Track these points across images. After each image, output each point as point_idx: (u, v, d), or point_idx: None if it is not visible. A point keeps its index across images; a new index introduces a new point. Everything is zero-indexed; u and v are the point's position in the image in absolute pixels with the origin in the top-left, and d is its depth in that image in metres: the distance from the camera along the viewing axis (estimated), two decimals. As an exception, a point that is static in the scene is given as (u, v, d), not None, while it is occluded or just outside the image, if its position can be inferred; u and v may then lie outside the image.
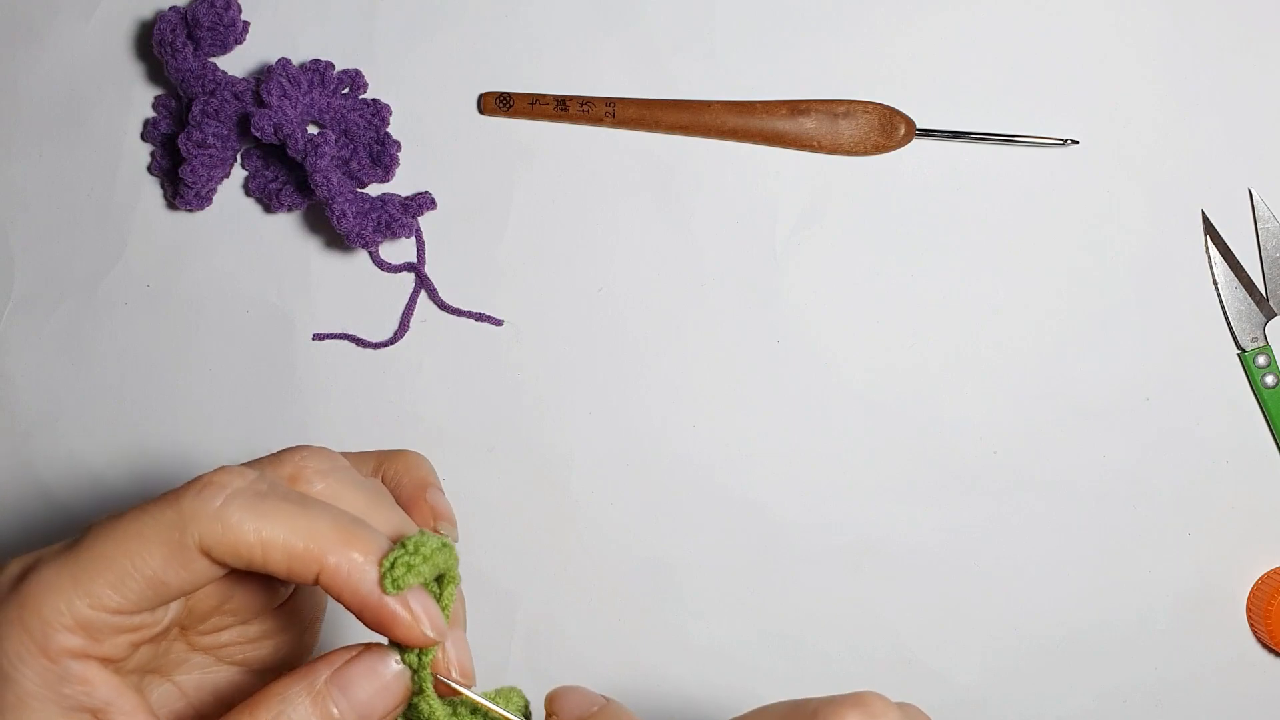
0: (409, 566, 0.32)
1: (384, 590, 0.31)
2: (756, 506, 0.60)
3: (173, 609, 0.34)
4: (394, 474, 0.39)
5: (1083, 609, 0.59)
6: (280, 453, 0.35)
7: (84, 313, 0.61)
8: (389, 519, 0.35)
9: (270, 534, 0.31)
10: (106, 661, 0.32)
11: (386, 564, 0.32)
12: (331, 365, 0.61)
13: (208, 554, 0.31)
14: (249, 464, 0.34)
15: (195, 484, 0.32)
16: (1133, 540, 0.59)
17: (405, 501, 0.38)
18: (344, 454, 0.38)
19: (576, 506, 0.60)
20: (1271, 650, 0.58)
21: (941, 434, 0.59)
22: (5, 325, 0.62)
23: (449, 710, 0.33)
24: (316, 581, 0.32)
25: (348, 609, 0.32)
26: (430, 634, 0.32)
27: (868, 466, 0.59)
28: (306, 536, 0.31)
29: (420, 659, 0.33)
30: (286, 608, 0.38)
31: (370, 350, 0.60)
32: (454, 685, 0.33)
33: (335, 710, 0.32)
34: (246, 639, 0.37)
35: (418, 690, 0.33)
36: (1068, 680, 0.59)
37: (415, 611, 0.32)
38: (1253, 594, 0.58)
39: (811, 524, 0.59)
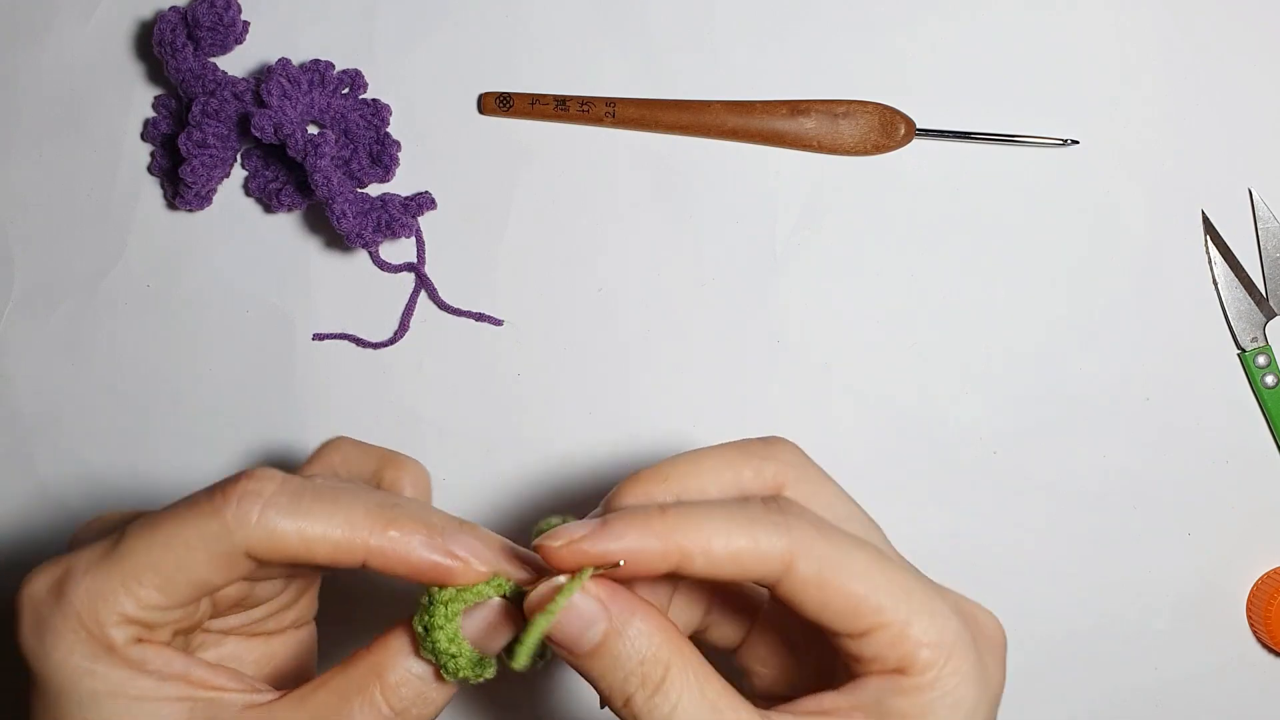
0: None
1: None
2: (756, 506, 0.60)
3: (205, 602, 0.36)
4: (393, 481, 0.40)
5: (1083, 609, 0.59)
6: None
7: (84, 313, 0.61)
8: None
9: (312, 531, 0.33)
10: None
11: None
12: (331, 365, 0.61)
13: (253, 557, 0.33)
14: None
15: (233, 491, 0.33)
16: (1133, 540, 0.59)
17: None
18: (349, 442, 0.41)
19: (576, 506, 0.60)
20: (1271, 650, 0.58)
21: (941, 434, 0.59)
22: (5, 325, 0.62)
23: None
24: (364, 565, 0.34)
25: (403, 579, 0.34)
26: (482, 568, 0.34)
27: (867, 466, 0.59)
28: (346, 526, 0.33)
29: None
30: (295, 590, 0.40)
31: (370, 350, 0.60)
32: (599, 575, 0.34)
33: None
34: (252, 620, 0.39)
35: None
36: (1068, 680, 0.59)
37: (461, 555, 0.34)
38: (1253, 594, 0.58)
39: (811, 524, 0.59)
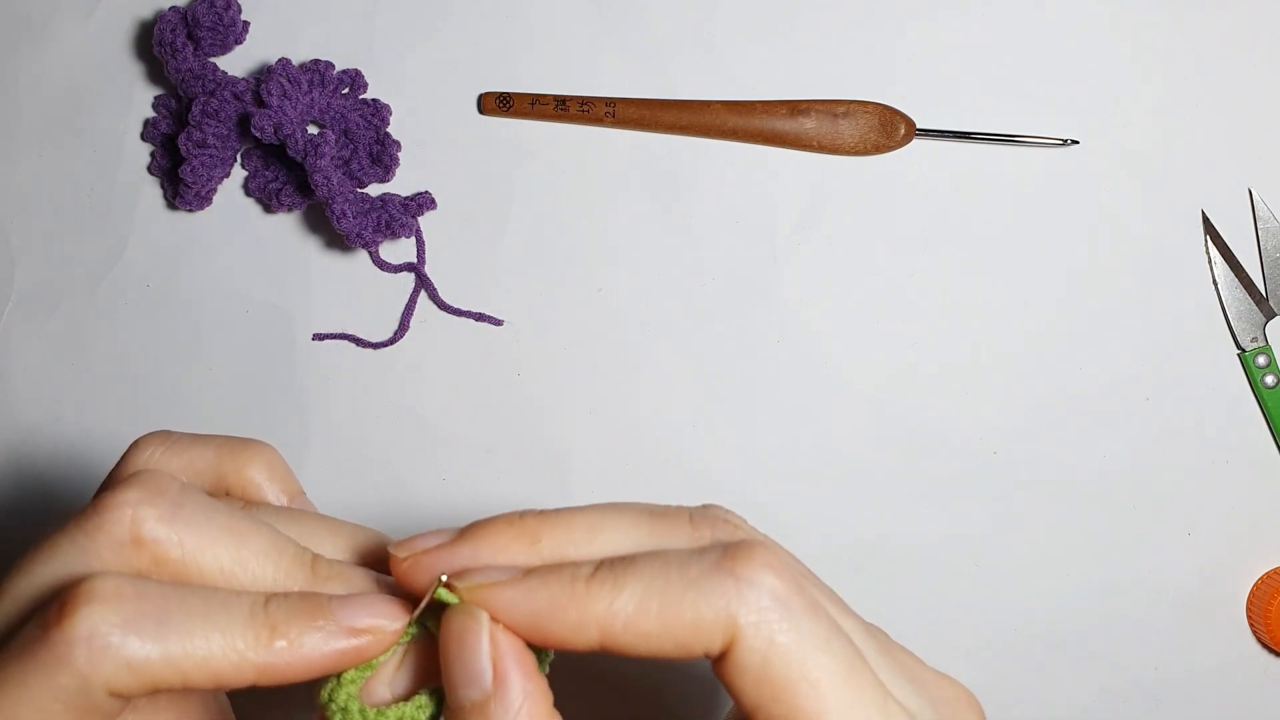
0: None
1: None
2: (756, 506, 0.59)
3: None
4: (238, 480, 0.34)
5: (1083, 609, 0.59)
6: (102, 503, 0.30)
7: (84, 313, 0.61)
8: (269, 549, 0.30)
9: (185, 661, 0.27)
10: None
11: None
12: (331, 365, 0.61)
13: (122, 695, 0.27)
14: (73, 529, 0.30)
15: (74, 623, 0.26)
16: (1133, 540, 0.59)
17: None
18: (174, 439, 0.34)
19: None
20: (1271, 650, 0.58)
21: (942, 434, 0.59)
22: (5, 325, 0.62)
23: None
24: (254, 683, 0.28)
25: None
26: (395, 626, 0.28)
27: (868, 466, 0.59)
28: (224, 649, 0.27)
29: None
30: None
31: (370, 350, 0.60)
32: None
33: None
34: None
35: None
36: (1068, 680, 0.59)
37: (367, 625, 0.28)
38: (1253, 594, 0.58)
39: (811, 524, 0.59)
